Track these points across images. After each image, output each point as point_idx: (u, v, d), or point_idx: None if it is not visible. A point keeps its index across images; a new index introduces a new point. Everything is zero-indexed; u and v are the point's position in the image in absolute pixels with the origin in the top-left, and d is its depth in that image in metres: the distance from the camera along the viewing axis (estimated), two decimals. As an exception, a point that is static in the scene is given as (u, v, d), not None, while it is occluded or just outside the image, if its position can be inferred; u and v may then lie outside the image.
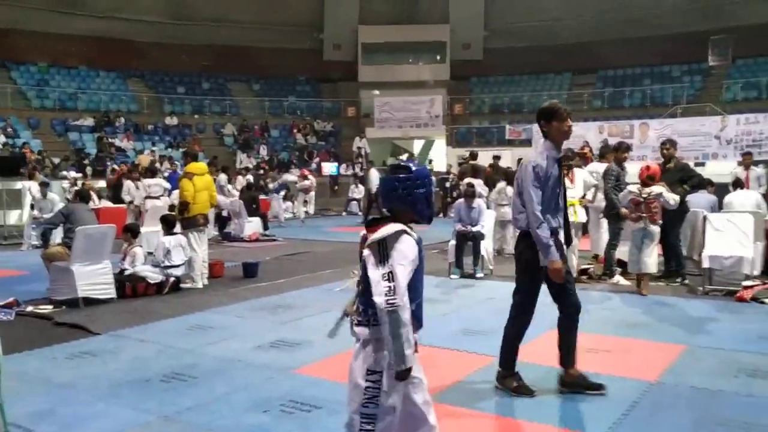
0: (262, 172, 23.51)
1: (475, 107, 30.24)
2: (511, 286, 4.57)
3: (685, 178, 8.44)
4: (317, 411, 4.15)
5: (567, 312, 4.41)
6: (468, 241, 9.03)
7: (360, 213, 22.40)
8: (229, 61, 29.82)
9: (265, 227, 15.39)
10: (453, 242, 9.19)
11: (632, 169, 8.57)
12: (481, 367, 4.95)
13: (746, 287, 7.29)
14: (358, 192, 22.90)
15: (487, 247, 9.30)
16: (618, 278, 8.28)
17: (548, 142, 4.34)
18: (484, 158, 16.35)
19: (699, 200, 9.11)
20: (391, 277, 2.64)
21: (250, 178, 18.98)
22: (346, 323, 2.88)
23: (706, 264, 7.64)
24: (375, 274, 2.67)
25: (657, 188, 7.41)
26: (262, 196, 19.62)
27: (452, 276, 8.97)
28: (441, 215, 19.87)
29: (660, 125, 21.02)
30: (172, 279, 8.21)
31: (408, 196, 2.81)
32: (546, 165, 4.23)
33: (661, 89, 26.63)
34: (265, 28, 30.64)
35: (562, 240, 4.37)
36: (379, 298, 2.62)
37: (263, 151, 26.59)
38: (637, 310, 6.85)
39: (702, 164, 19.83)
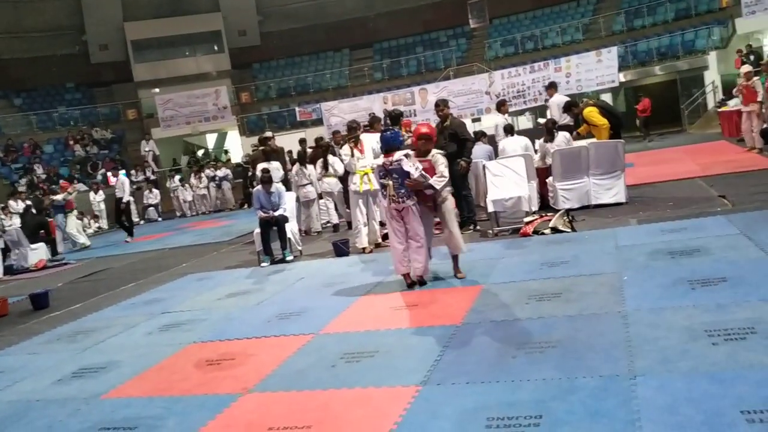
0: (41, 193, 21.41)
1: (262, 93, 29.93)
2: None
3: (459, 137, 8.78)
4: (132, 432, 3.89)
5: None
6: (273, 226, 8.95)
7: (159, 219, 21.33)
8: (-20, 78, 26.62)
9: (53, 252, 14.04)
10: (257, 230, 9.06)
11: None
12: (300, 347, 4.95)
13: (527, 223, 8.04)
14: (153, 197, 21.73)
15: (292, 228, 9.30)
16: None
17: None
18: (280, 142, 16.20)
19: (477, 151, 9.83)
20: (418, 167, 5.91)
21: (29, 202, 17.07)
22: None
23: (491, 208, 8.31)
24: (411, 168, 5.87)
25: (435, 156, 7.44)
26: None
27: (263, 264, 8.85)
28: (246, 206, 19.54)
29: (437, 89, 22.37)
30: (-56, 329, 7.18)
31: (397, 141, 6.28)
32: None
33: (432, 55, 28.29)
34: (19, 37, 27.79)
35: None
36: (419, 176, 5.89)
37: (39, 170, 24.12)
38: (437, 261, 7.24)
39: (478, 119, 21.53)
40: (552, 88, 12.10)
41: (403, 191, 6.01)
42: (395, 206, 6.07)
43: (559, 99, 11.50)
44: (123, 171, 22.09)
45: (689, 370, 3.46)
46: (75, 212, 16.10)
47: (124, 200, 15.43)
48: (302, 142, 13.52)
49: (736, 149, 13.34)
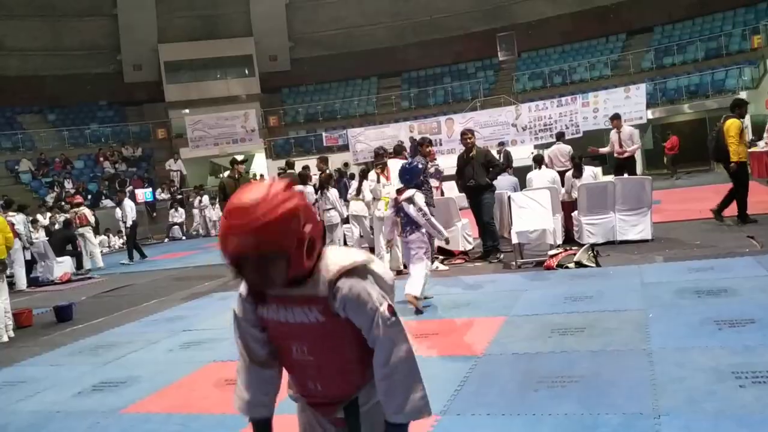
0: (69, 207, 21.75)
1: (290, 118, 30.31)
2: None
3: (488, 165, 8.97)
4: (151, 448, 3.89)
5: None
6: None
7: (183, 237, 21.54)
8: (16, 92, 27.27)
9: (79, 266, 14.24)
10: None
11: (448, 162, 8.88)
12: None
13: (551, 256, 7.98)
14: (178, 216, 21.96)
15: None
16: (437, 264, 8.69)
17: None
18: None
19: (502, 182, 9.83)
20: (421, 210, 6.32)
21: (67, 215, 17.30)
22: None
23: (515, 240, 8.26)
24: (413, 210, 6.32)
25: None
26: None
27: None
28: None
29: (463, 119, 22.47)
30: (-31, 337, 7.29)
31: (414, 175, 6.67)
32: None
33: (460, 86, 28.49)
34: (56, 55, 28.53)
35: None
36: (420, 219, 6.32)
37: (68, 184, 24.58)
38: (460, 291, 7.24)
39: (504, 151, 21.48)
40: (617, 119, 11.86)
41: (408, 228, 6.47)
42: (403, 239, 6.59)
43: (629, 129, 11.85)
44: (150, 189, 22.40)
45: (716, 412, 3.39)
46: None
47: (129, 224, 15.49)
48: (324, 166, 13.63)
49: (765, 190, 13.16)
